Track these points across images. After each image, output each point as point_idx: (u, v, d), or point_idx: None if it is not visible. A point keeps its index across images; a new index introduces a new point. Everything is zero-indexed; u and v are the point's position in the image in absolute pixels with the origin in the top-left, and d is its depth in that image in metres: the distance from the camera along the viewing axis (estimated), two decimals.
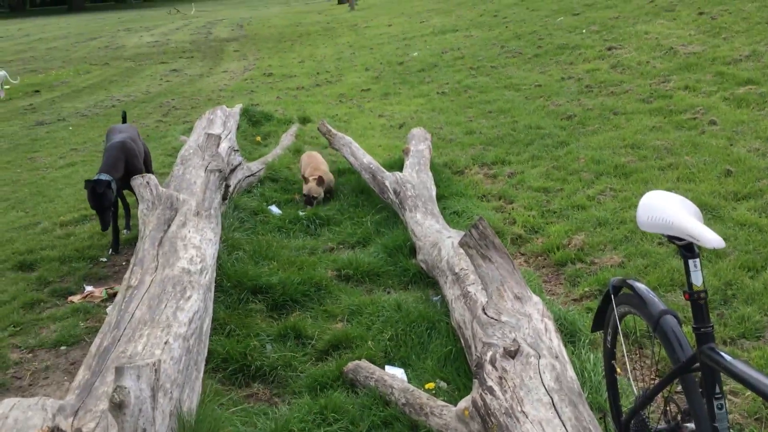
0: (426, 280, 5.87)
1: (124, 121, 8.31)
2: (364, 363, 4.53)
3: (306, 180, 7.92)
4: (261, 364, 4.72)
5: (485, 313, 4.09)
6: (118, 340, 3.69)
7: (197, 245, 4.81)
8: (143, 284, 4.28)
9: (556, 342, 3.77)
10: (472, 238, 4.24)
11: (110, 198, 6.49)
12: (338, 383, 4.47)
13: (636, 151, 8.37)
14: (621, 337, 3.22)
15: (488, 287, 4.16)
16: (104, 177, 6.44)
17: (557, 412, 3.15)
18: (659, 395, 2.91)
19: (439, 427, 3.81)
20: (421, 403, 4.01)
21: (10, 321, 5.65)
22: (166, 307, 3.98)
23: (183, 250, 4.68)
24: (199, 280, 4.43)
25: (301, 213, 7.63)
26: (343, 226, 7.26)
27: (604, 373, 3.68)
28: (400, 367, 4.63)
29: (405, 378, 4.45)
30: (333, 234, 7.12)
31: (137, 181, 5.54)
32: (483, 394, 3.48)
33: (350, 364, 4.54)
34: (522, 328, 3.83)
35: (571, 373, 3.50)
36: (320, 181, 7.83)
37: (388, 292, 5.79)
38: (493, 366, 3.58)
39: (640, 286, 2.97)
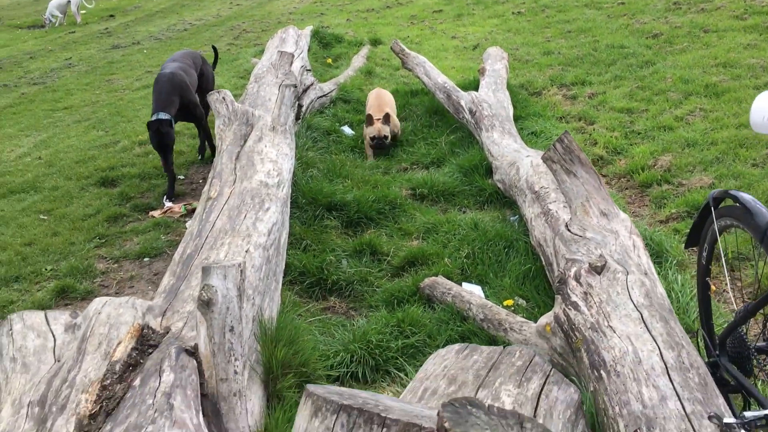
0: (502, 200, 5.74)
1: (216, 55, 8.15)
2: (441, 279, 4.49)
3: (371, 121, 6.94)
4: (337, 278, 4.75)
5: (568, 230, 3.95)
6: (201, 248, 3.74)
7: (274, 159, 4.79)
8: (222, 196, 4.31)
9: (644, 259, 3.62)
10: (556, 153, 4.07)
11: (172, 137, 6.31)
12: (414, 298, 4.45)
13: (728, 70, 7.86)
14: (720, 252, 3.04)
15: (572, 203, 4.01)
16: (164, 116, 6.16)
17: (647, 327, 3.03)
18: (759, 312, 2.76)
19: (518, 342, 3.76)
20: (500, 318, 3.96)
21: (96, 233, 5.84)
22: (245, 218, 4.00)
23: (260, 164, 4.67)
24: (277, 193, 4.42)
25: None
26: (416, 146, 7.14)
27: (695, 291, 3.53)
28: (477, 284, 4.57)
29: (482, 295, 4.39)
30: (406, 154, 7.02)
31: (213, 97, 5.53)
32: (566, 309, 3.38)
33: (427, 280, 4.51)
34: (608, 244, 3.69)
35: (660, 289, 3.36)
36: (386, 119, 6.88)
37: (464, 212, 5.70)
38: (578, 282, 3.46)
39: (746, 197, 2.77)
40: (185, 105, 6.53)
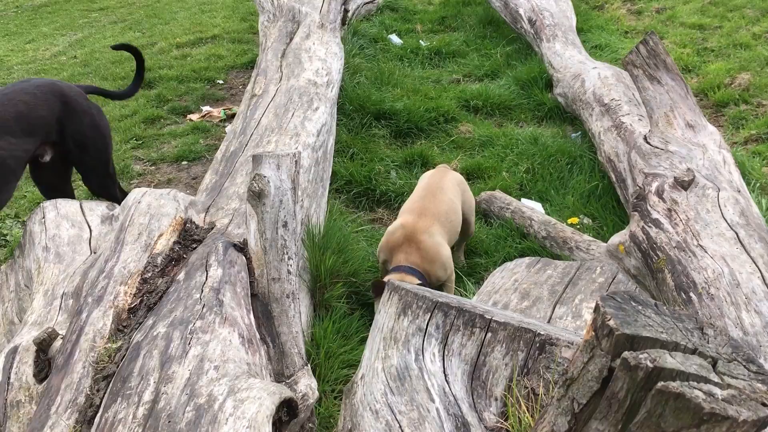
0: (563, 115, 5.34)
1: (139, 63, 4.47)
2: (499, 193, 4.18)
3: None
4: (386, 189, 4.46)
5: (648, 143, 3.58)
6: (245, 146, 3.45)
7: (322, 58, 4.44)
8: (267, 93, 4.00)
9: (736, 176, 3.26)
10: (639, 56, 3.65)
11: None
12: None
13: None
14: None
15: (654, 113, 3.62)
16: None
17: (744, 248, 2.70)
18: None
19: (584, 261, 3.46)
20: (565, 236, 3.65)
21: (132, 134, 5.59)
22: (293, 116, 3.69)
23: (308, 62, 4.33)
24: (326, 93, 4.09)
25: (422, 43, 7.09)
26: (469, 58, 6.69)
27: None
28: (537, 201, 4.25)
29: (543, 212, 4.07)
30: (458, 66, 6.59)
31: None
32: (646, 227, 3.05)
33: (484, 194, 4.20)
34: (695, 158, 3.32)
35: (755, 209, 3.01)
36: (416, 244, 3.27)
37: (521, 126, 5.32)
38: (660, 197, 3.12)
39: None
40: None
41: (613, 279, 2.54)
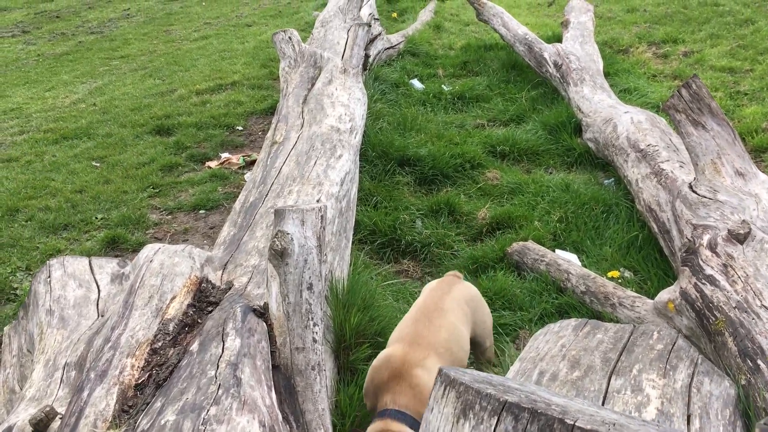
0: (594, 161, 5.13)
1: None
2: (532, 244, 3.94)
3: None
4: (411, 239, 4.25)
5: (694, 191, 3.35)
6: (266, 196, 3.27)
7: (345, 104, 4.28)
8: (289, 140, 3.83)
9: None
10: (681, 100, 3.45)
11: None
12: (501, 265, 3.92)
13: None
14: None
15: (699, 160, 3.40)
16: None
17: None
18: None
19: (629, 321, 3.20)
20: (607, 292, 3.40)
21: (150, 182, 5.45)
22: (315, 164, 3.51)
23: (330, 108, 4.17)
24: (350, 139, 3.92)
25: (445, 87, 6.96)
26: (493, 102, 6.54)
27: None
28: (572, 252, 4.01)
29: (579, 264, 3.83)
30: (482, 110, 6.43)
31: (278, 36, 5.04)
32: (699, 284, 2.80)
33: (515, 245, 3.97)
34: (748, 209, 3.09)
35: None
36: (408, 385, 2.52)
37: (550, 172, 5.11)
38: (713, 252, 2.88)
39: None
40: None
41: (673, 345, 2.29)
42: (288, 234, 2.00)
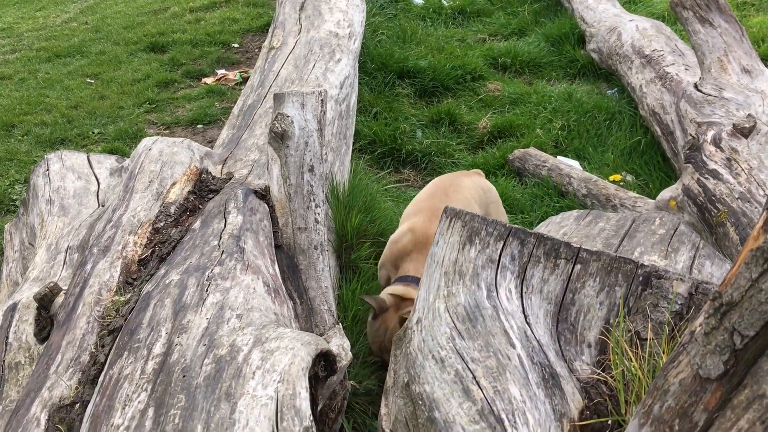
0: (597, 72, 5.04)
1: None
2: (534, 150, 3.91)
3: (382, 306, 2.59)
4: (412, 149, 4.21)
5: (699, 90, 3.30)
6: (264, 98, 3.22)
7: (344, 9, 4.18)
8: (287, 45, 3.75)
9: None
10: None
11: None
12: (502, 171, 3.90)
13: None
14: None
15: (706, 58, 3.33)
16: None
17: None
18: None
19: None
20: (608, 193, 3.39)
21: (146, 98, 5.37)
22: (314, 68, 3.44)
23: (328, 13, 4.07)
24: (348, 45, 3.84)
25: (444, 2, 6.78)
26: (495, 16, 6.38)
27: None
28: (573, 159, 3.98)
29: (581, 169, 3.81)
30: (483, 25, 6.28)
31: None
32: (702, 179, 2.79)
33: (517, 151, 3.94)
34: (753, 105, 3.05)
35: None
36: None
37: (553, 84, 5.03)
38: (717, 147, 2.85)
39: None
40: None
41: (675, 230, 2.28)
42: (288, 116, 1.97)
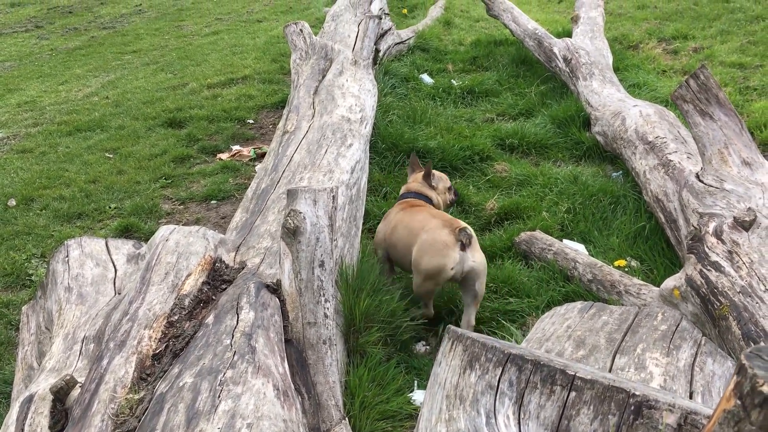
0: (602, 154, 5.16)
1: None
2: (540, 234, 3.99)
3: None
4: None
5: (701, 181, 3.38)
6: (277, 183, 3.32)
7: (356, 94, 4.33)
8: (300, 130, 3.88)
9: None
10: (689, 90, 3.48)
11: None
12: (509, 254, 3.97)
13: None
14: None
15: (706, 150, 3.43)
16: None
17: None
18: None
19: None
20: (613, 280, 3.44)
21: (162, 173, 5.52)
22: (326, 153, 3.56)
23: (341, 99, 4.22)
24: (360, 129, 3.97)
25: (454, 82, 7.00)
26: (502, 97, 6.57)
27: None
28: (579, 242, 4.05)
29: (587, 254, 3.87)
30: (491, 105, 6.46)
31: (290, 29, 5.09)
32: (704, 270, 2.84)
33: (523, 234, 4.02)
34: (754, 197, 3.12)
35: None
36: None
37: (559, 165, 5.14)
38: (719, 239, 2.91)
39: None
40: None
41: (677, 326, 2.33)
42: (300, 213, 2.06)
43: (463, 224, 3.19)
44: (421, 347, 3.35)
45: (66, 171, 5.64)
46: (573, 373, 1.01)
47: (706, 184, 3.32)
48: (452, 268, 3.12)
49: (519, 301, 3.54)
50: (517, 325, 3.42)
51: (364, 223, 4.14)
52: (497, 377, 1.03)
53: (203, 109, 6.86)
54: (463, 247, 3.12)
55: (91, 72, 8.89)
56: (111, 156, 5.93)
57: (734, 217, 2.91)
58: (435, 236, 3.15)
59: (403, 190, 3.73)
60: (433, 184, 3.70)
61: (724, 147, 3.35)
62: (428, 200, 3.57)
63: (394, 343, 3.20)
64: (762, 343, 2.27)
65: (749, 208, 2.94)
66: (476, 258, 3.18)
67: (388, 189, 4.69)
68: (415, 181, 3.70)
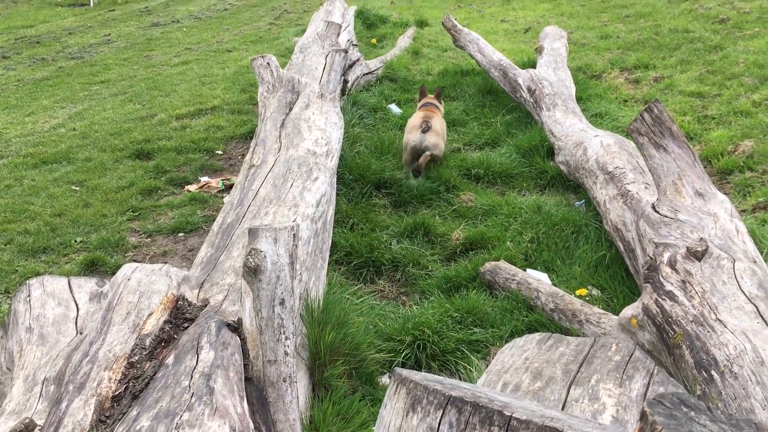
0: (566, 183, 5.27)
1: None
2: (504, 264, 4.05)
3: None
4: (389, 258, 4.34)
5: (656, 211, 3.48)
6: (242, 217, 3.35)
7: (322, 128, 4.39)
8: (266, 164, 3.92)
9: (750, 246, 3.15)
10: (643, 124, 3.59)
11: None
12: (473, 284, 4.02)
13: None
14: None
15: (661, 181, 3.54)
16: None
17: (765, 322, 2.56)
18: None
19: (596, 336, 3.31)
20: (574, 309, 3.51)
21: (129, 206, 5.51)
22: (292, 187, 3.61)
23: (307, 132, 4.28)
24: (326, 162, 4.02)
25: None
26: (469, 126, 6.69)
27: None
28: (543, 271, 4.12)
29: (549, 283, 3.94)
30: (458, 135, 6.57)
31: (257, 62, 5.15)
32: (660, 299, 2.92)
33: (488, 264, 4.08)
34: (706, 227, 3.22)
35: None
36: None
37: (524, 195, 5.24)
38: (673, 268, 3.00)
39: None
40: None
41: (630, 357, 2.40)
42: (261, 251, 2.09)
43: (429, 118, 5.35)
44: (386, 380, 3.37)
45: (31, 204, 5.60)
46: (510, 414, 1.06)
47: (661, 214, 3.42)
48: (414, 141, 5.24)
49: (483, 332, 3.59)
50: (481, 355, 3.47)
51: (331, 255, 4.18)
52: (437, 420, 1.07)
53: (172, 140, 6.87)
54: (425, 131, 5.22)
55: (59, 103, 8.86)
56: (77, 189, 5.90)
57: (687, 248, 3.00)
58: (411, 123, 5.45)
59: (422, 101, 5.88)
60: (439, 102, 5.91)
61: (678, 178, 3.46)
62: (437, 108, 5.76)
63: (359, 376, 3.22)
64: (672, 388, 2.33)
65: (701, 239, 3.03)
66: (430, 139, 5.24)
67: (356, 220, 4.74)
68: (429, 98, 5.87)
